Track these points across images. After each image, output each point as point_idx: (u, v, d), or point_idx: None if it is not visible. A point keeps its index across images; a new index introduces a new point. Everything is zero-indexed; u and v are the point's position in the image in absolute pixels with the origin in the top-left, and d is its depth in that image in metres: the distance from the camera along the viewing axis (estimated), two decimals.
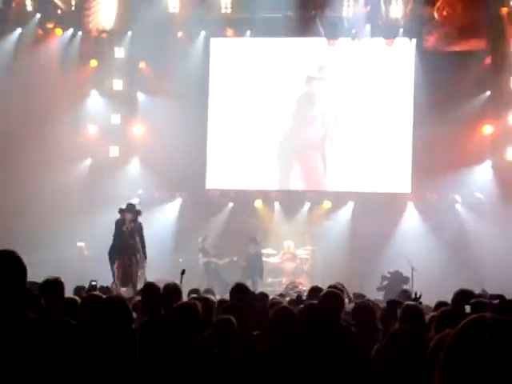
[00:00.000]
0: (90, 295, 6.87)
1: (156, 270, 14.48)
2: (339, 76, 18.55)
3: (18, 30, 18.12)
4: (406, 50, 17.73)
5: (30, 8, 17.93)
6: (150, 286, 7.22)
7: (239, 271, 16.74)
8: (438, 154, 17.03)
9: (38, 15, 18.09)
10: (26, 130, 17.56)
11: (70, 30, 18.48)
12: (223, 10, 18.04)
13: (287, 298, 9.47)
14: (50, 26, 18.36)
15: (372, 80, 18.33)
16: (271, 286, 16.35)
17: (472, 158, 17.28)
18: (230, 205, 18.82)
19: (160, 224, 17.61)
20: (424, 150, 17.38)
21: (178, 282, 7.75)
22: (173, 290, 6.87)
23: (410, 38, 17.15)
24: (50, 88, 17.92)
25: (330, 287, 7.25)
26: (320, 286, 9.00)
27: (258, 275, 16.50)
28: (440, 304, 7.74)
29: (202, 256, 17.24)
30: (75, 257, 16.85)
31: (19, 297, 3.48)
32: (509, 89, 17.26)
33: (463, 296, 7.28)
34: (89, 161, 18.81)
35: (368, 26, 17.05)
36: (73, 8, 18.17)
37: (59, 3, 17.95)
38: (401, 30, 17.19)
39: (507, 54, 17.11)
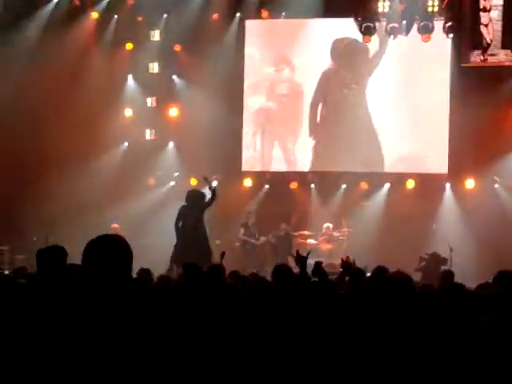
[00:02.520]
0: None
1: None
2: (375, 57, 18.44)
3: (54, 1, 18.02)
4: (442, 42, 17.42)
5: None
6: (192, 267, 7.28)
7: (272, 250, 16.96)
8: (476, 136, 16.86)
9: None
10: (59, 111, 17.72)
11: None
12: None
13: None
14: None
15: (407, 64, 18.19)
16: (308, 267, 16.34)
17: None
18: (266, 187, 18.86)
19: None
20: (461, 131, 17.21)
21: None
22: (216, 270, 6.95)
23: (447, 34, 16.94)
24: (85, 69, 18.02)
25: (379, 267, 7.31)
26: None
27: (287, 252, 16.60)
28: (481, 286, 7.71)
29: (243, 233, 17.32)
30: None
31: (126, 282, 3.51)
32: None
33: (505, 277, 7.26)
34: (125, 144, 18.92)
35: (404, 22, 16.91)
36: None
37: None
38: (438, 25, 16.91)
39: None
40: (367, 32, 17.08)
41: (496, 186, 17.45)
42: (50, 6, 18.12)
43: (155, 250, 15.49)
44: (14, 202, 17.22)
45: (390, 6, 16.80)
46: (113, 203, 17.20)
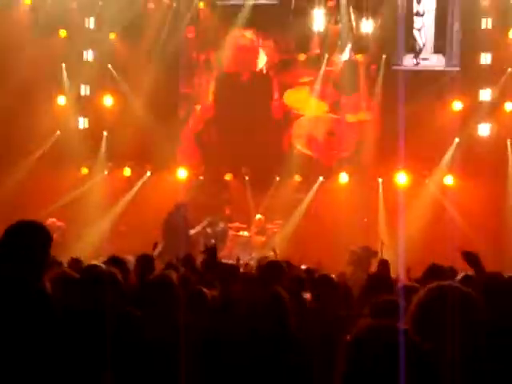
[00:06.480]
0: None
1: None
2: None
3: None
4: None
5: None
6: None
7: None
8: (407, 132, 16.95)
9: None
10: None
11: None
12: None
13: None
14: None
15: None
16: (241, 259, 16.39)
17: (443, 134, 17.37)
18: (200, 178, 18.78)
19: (129, 200, 17.93)
20: (392, 128, 17.30)
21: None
22: (147, 261, 6.93)
23: (381, 54, 17.32)
24: (17, 56, 17.56)
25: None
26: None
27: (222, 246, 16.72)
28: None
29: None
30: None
31: (37, 269, 3.49)
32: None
33: (433, 270, 7.45)
34: (58, 133, 18.53)
35: (339, 42, 17.26)
36: None
37: None
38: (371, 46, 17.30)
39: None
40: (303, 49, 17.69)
41: (427, 181, 17.77)
42: None
43: (91, 238, 15.98)
44: None
45: (325, 27, 17.36)
46: (47, 196, 16.92)
